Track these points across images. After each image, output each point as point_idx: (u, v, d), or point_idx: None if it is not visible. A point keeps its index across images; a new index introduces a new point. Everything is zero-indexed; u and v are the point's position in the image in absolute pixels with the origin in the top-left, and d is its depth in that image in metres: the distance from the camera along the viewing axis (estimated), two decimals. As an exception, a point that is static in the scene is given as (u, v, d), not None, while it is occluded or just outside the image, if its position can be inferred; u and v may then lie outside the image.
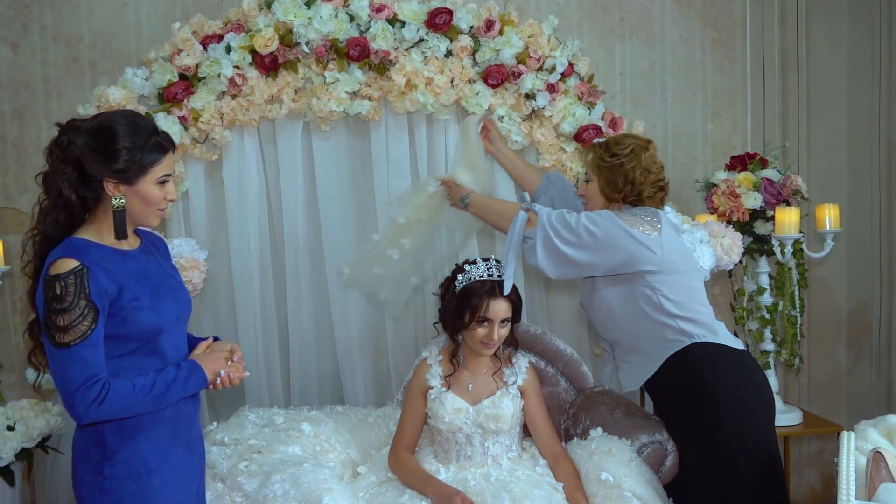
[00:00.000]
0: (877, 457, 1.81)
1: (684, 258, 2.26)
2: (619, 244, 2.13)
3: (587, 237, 2.13)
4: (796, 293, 2.89)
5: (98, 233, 1.69)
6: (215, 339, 1.88)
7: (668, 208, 2.73)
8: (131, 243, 1.75)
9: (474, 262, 2.31)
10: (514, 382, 2.34)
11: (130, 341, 1.66)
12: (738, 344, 2.21)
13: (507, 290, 2.23)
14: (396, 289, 2.66)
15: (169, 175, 1.71)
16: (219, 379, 1.75)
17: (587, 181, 2.33)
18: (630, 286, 2.19)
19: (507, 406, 2.28)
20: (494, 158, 2.66)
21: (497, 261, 2.33)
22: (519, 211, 2.23)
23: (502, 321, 2.25)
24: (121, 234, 1.68)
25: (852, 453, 1.83)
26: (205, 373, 1.72)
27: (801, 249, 2.87)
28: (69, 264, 1.59)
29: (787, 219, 2.74)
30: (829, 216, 2.79)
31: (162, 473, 1.68)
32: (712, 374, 2.12)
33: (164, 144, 1.69)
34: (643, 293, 2.17)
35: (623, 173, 2.22)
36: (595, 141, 2.42)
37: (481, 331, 2.25)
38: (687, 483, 2.21)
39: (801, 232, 2.79)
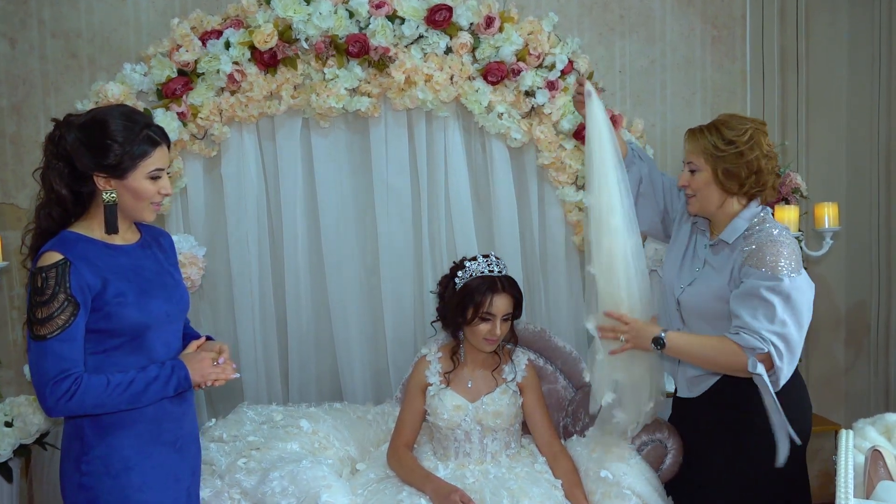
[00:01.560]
0: (875, 455, 1.82)
1: None
2: (810, 288, 1.99)
3: (795, 322, 1.93)
4: (795, 291, 2.88)
5: (90, 227, 1.69)
6: (208, 338, 1.86)
7: None
8: (127, 238, 1.74)
9: (474, 259, 2.31)
10: (514, 379, 2.34)
11: (115, 337, 1.65)
12: None
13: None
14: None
15: (161, 169, 1.69)
16: (208, 381, 1.73)
17: (693, 171, 2.05)
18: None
19: (506, 403, 2.28)
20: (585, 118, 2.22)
21: (497, 256, 2.33)
22: (755, 371, 1.90)
23: (504, 316, 2.25)
24: (111, 228, 1.67)
25: (851, 451, 1.83)
26: (189, 373, 1.70)
27: (801, 248, 2.87)
28: (53, 257, 1.60)
29: (787, 217, 2.74)
30: (828, 214, 2.80)
31: (142, 472, 1.67)
32: (785, 386, 2.02)
33: (156, 138, 1.67)
34: None
35: (745, 163, 1.98)
36: (699, 126, 2.09)
37: (484, 327, 2.24)
38: (714, 489, 2.11)
39: (800, 230, 2.80)
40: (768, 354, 1.90)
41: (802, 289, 1.94)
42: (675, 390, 2.23)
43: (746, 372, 1.93)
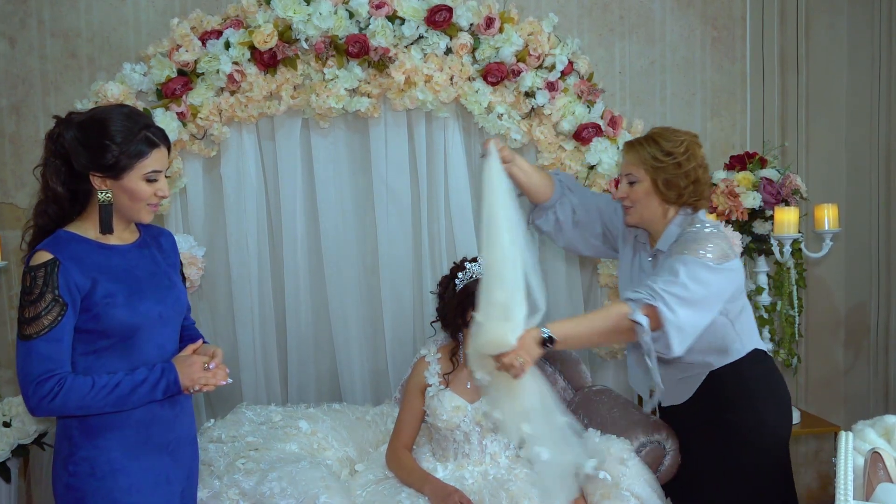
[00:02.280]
0: (875, 457, 1.81)
1: None
2: (728, 290, 1.97)
3: (703, 305, 1.89)
4: (795, 293, 2.88)
5: (86, 226, 1.68)
6: (204, 341, 1.83)
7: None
8: (124, 238, 1.72)
9: (474, 260, 2.30)
10: (513, 381, 2.33)
11: (104, 337, 1.64)
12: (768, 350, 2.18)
13: (648, 407, 2.11)
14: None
15: (159, 171, 1.67)
16: (197, 385, 1.71)
17: (632, 182, 2.08)
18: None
19: (505, 404, 2.28)
20: (512, 179, 2.16)
21: None
22: (634, 318, 1.84)
23: None
24: (105, 228, 1.66)
25: (850, 453, 1.83)
26: (178, 378, 1.68)
27: (800, 249, 2.87)
28: (43, 257, 1.60)
29: (786, 218, 2.74)
30: (827, 216, 2.79)
31: (130, 474, 1.66)
32: (756, 381, 2.07)
33: (154, 140, 1.65)
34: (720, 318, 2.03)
35: (684, 173, 2.02)
36: (636, 137, 2.14)
37: (482, 329, 2.23)
38: (701, 486, 2.16)
39: (799, 232, 2.79)
40: (655, 309, 1.84)
41: (719, 271, 1.91)
42: (659, 404, 2.24)
43: (632, 331, 1.85)
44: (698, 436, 2.17)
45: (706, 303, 1.91)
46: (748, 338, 2.12)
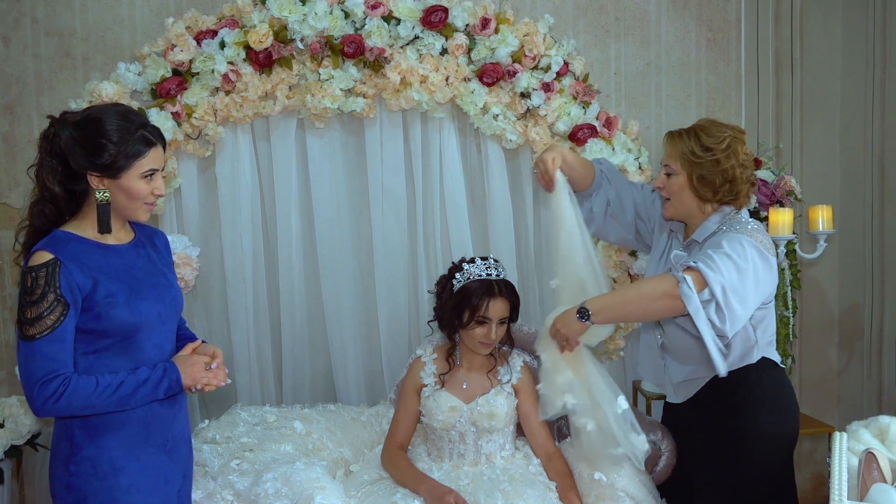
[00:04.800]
0: (869, 457, 1.82)
1: None
2: (768, 278, 1.90)
3: (749, 283, 1.81)
4: (789, 294, 2.89)
5: (83, 226, 1.68)
6: (203, 342, 1.84)
7: None
8: (120, 237, 1.73)
9: (472, 261, 2.30)
10: (509, 381, 2.33)
11: (105, 337, 1.64)
12: (778, 359, 2.13)
13: (722, 372, 1.86)
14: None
15: (155, 170, 1.68)
16: (198, 385, 1.72)
17: (669, 174, 2.03)
18: None
19: (500, 404, 2.28)
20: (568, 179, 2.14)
21: (495, 259, 2.32)
22: (680, 281, 1.79)
23: (500, 321, 2.25)
24: (104, 228, 1.66)
25: (844, 454, 1.83)
26: (180, 377, 1.69)
27: (795, 250, 2.88)
28: (43, 257, 1.59)
29: (781, 219, 2.74)
30: (822, 217, 2.80)
31: (130, 474, 1.66)
32: (764, 389, 2.03)
33: (151, 139, 1.66)
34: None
35: (721, 171, 1.96)
36: (678, 129, 2.06)
37: (480, 330, 2.24)
38: (701, 490, 2.12)
39: (794, 233, 2.80)
40: (699, 271, 1.79)
41: (765, 256, 1.87)
42: (666, 396, 2.24)
43: (677, 297, 1.78)
44: (700, 439, 2.13)
45: (751, 275, 1.81)
46: (765, 347, 2.07)
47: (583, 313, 1.89)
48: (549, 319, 2.03)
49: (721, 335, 1.83)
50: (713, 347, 1.80)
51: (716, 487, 2.07)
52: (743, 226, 1.95)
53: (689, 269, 1.82)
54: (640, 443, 2.03)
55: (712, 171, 1.97)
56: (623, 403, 2.03)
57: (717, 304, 1.78)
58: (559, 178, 2.08)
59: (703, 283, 1.79)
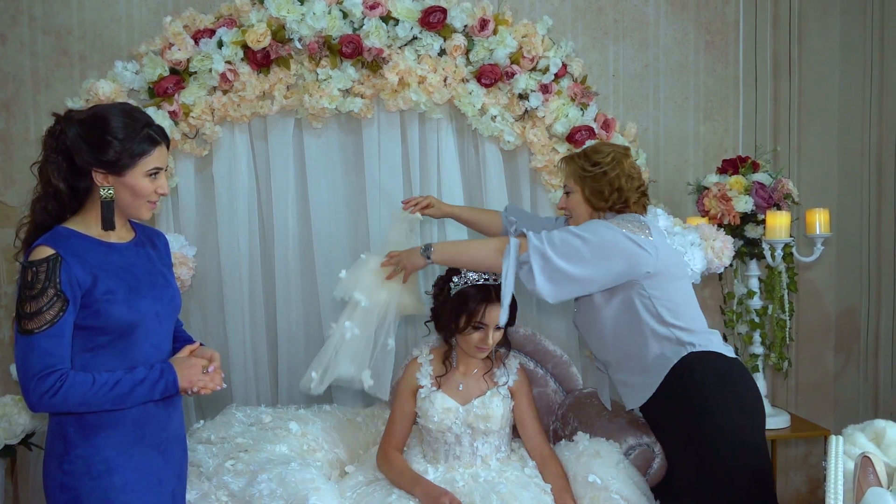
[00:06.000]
0: (865, 461, 1.82)
1: (676, 262, 2.23)
2: (617, 249, 2.05)
3: (584, 248, 2.04)
4: (786, 297, 2.89)
5: (85, 223, 1.68)
6: (201, 344, 1.85)
7: (659, 211, 2.72)
8: (122, 236, 1.74)
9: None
10: (505, 383, 2.33)
11: (103, 334, 1.64)
12: (730, 352, 2.16)
13: (502, 321, 2.16)
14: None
15: (160, 168, 1.70)
16: (195, 388, 1.72)
17: (567, 193, 2.28)
18: (626, 297, 2.12)
19: (496, 406, 2.27)
20: (464, 223, 2.59)
21: None
22: (509, 239, 2.11)
23: (497, 326, 2.24)
24: (108, 225, 1.67)
25: (840, 457, 1.83)
26: (177, 379, 1.69)
27: (791, 253, 2.88)
28: (44, 252, 1.59)
29: (778, 222, 2.75)
30: (819, 220, 2.80)
31: (124, 473, 1.66)
32: (710, 385, 2.07)
33: (156, 137, 1.68)
34: (640, 303, 2.11)
35: (608, 181, 2.19)
36: (571, 153, 2.36)
37: (476, 335, 2.23)
38: (678, 492, 2.16)
39: (791, 236, 2.80)
40: (526, 238, 2.07)
41: (613, 229, 2.07)
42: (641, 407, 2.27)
43: (501, 253, 2.09)
44: (671, 440, 2.19)
45: (593, 248, 2.05)
46: (697, 335, 2.12)
47: (426, 250, 2.20)
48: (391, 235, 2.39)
49: (537, 295, 2.09)
50: (507, 296, 2.10)
51: (691, 486, 2.10)
52: (617, 219, 2.15)
53: (521, 235, 2.13)
54: (367, 378, 2.24)
55: (601, 181, 2.20)
56: (391, 343, 2.27)
57: (531, 267, 2.05)
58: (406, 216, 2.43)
59: (526, 248, 2.09)
